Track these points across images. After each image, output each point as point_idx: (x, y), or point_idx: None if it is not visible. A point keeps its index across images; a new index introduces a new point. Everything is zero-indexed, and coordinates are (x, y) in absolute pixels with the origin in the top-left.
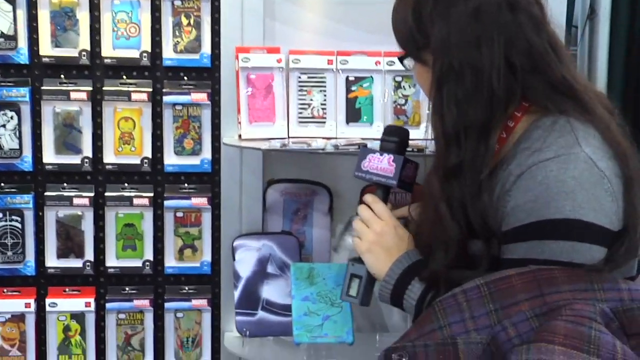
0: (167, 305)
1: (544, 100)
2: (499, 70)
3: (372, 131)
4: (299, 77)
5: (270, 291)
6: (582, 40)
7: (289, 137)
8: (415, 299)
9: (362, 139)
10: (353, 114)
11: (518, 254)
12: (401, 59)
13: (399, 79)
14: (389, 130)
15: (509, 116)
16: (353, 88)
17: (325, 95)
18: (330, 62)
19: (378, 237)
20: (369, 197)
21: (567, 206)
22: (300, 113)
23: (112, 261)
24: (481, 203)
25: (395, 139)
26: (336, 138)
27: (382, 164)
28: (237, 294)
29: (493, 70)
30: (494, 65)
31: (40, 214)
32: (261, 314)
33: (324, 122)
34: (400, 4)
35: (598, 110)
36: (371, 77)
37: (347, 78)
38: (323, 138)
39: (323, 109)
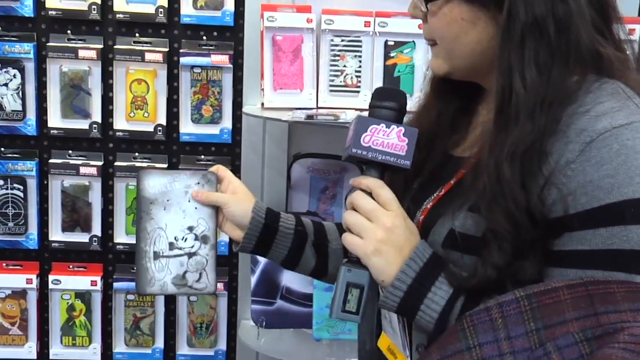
0: None
1: (612, 59)
2: (587, 26)
3: (411, 103)
4: (332, 41)
5: (291, 278)
6: None
7: (317, 108)
8: (439, 310)
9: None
10: (391, 83)
11: (594, 244)
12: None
13: None
14: (384, 93)
15: None
16: (392, 54)
17: (360, 62)
18: (367, 24)
19: (388, 233)
20: (369, 181)
21: None
22: (332, 81)
23: (121, 237)
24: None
25: (393, 104)
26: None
27: (390, 139)
28: (254, 279)
29: (581, 27)
30: (581, 20)
31: (45, 182)
32: (280, 303)
33: (358, 92)
34: None
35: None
36: (413, 42)
37: (385, 42)
38: (355, 110)
39: (357, 76)
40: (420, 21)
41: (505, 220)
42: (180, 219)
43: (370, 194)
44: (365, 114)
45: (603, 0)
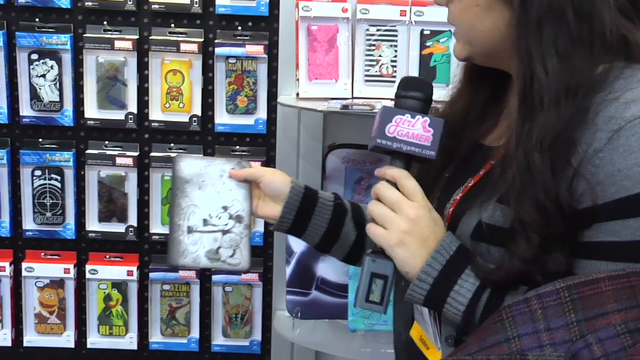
0: (215, 277)
1: (633, 48)
2: (610, 11)
3: (448, 93)
4: (367, 30)
5: (326, 269)
6: None
7: (352, 98)
8: (465, 302)
9: (438, 101)
10: (427, 73)
11: (624, 235)
12: None
13: None
14: (409, 83)
15: None
16: (428, 43)
17: (396, 51)
18: (403, 13)
19: (412, 224)
20: (394, 171)
21: None
22: (367, 70)
23: (157, 227)
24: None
25: (419, 94)
26: None
27: (415, 129)
28: (289, 270)
29: (604, 12)
30: (604, 6)
31: (82, 173)
32: (315, 293)
33: (394, 82)
34: None
35: None
36: (449, 31)
37: (421, 32)
38: (391, 100)
39: (393, 66)
40: None
41: (535, 210)
42: (214, 198)
43: (395, 184)
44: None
45: None
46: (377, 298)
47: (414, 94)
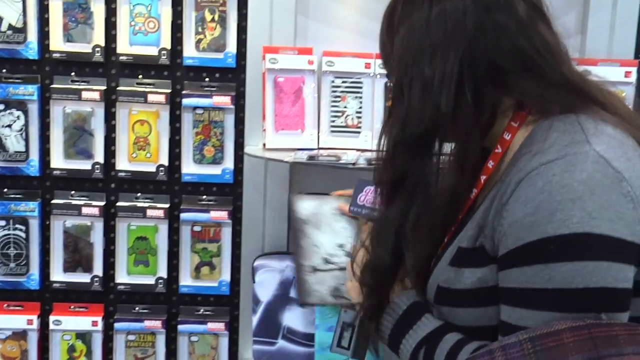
0: (180, 327)
1: (542, 101)
2: (450, 85)
3: None
4: (333, 82)
5: (293, 318)
6: None
7: (319, 148)
8: (409, 355)
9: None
10: None
11: (521, 283)
12: (388, 77)
13: None
14: None
15: (504, 129)
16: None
17: (361, 102)
18: (367, 65)
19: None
20: (364, 236)
21: (575, 217)
22: (333, 121)
23: (122, 277)
24: (426, 225)
25: None
26: (372, 150)
27: None
28: (255, 319)
29: (444, 85)
30: (446, 79)
31: (47, 223)
32: (281, 343)
33: (359, 132)
34: (384, 14)
35: (616, 104)
36: None
37: (386, 84)
38: (357, 150)
39: (358, 117)
40: None
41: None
42: (331, 237)
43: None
44: (367, 154)
45: (531, 49)
46: (346, 344)
47: None
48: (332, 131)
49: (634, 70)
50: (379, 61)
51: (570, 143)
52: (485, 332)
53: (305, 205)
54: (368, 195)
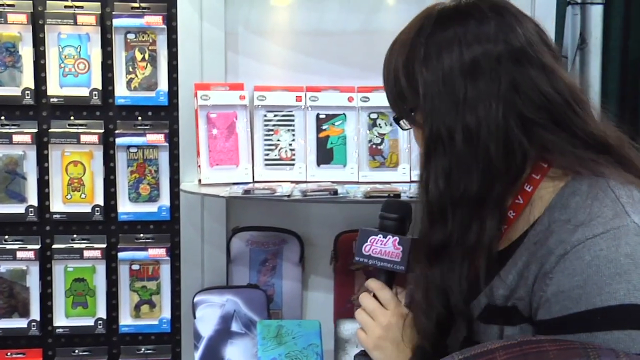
0: None
1: (571, 158)
2: (498, 135)
3: (345, 174)
4: (265, 116)
5: (235, 352)
6: (573, 71)
7: (254, 182)
8: None
9: (334, 182)
10: (324, 155)
11: None
12: (396, 120)
13: (374, 116)
14: (388, 206)
15: (524, 180)
16: (324, 127)
17: (293, 135)
18: (298, 98)
19: (385, 331)
20: (373, 284)
21: (622, 290)
22: (267, 155)
23: (60, 320)
24: (477, 286)
25: (395, 215)
26: (306, 182)
27: (387, 247)
28: (197, 355)
29: (491, 136)
30: (492, 130)
31: None
32: None
33: (293, 164)
34: (392, 55)
35: (630, 155)
36: (344, 114)
37: (317, 116)
38: (292, 182)
39: (291, 150)
40: (349, 94)
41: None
42: None
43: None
44: (302, 186)
45: (555, 99)
46: None
47: (390, 215)
48: (267, 164)
49: None
50: (310, 94)
51: (612, 217)
52: None
53: (347, 327)
54: (373, 245)
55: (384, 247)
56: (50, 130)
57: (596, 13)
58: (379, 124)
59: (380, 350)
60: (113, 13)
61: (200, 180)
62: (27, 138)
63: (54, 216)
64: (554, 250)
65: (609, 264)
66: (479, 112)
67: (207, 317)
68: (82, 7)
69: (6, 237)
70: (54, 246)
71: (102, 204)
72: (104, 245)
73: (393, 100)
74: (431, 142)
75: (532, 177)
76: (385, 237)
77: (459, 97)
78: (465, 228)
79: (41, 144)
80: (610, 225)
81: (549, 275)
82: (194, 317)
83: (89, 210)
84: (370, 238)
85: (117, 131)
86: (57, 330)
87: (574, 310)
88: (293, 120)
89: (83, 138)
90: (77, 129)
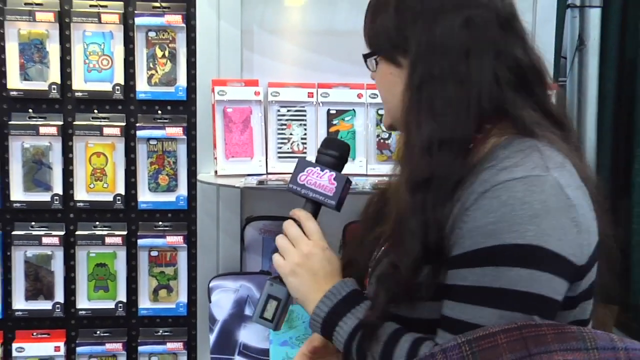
0: (141, 348)
1: (524, 119)
2: (487, 84)
3: (354, 167)
4: (278, 111)
5: (248, 335)
6: (572, 71)
7: (267, 173)
8: (345, 337)
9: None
10: None
11: (469, 281)
12: (366, 57)
13: (382, 112)
14: (328, 142)
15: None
16: (334, 122)
17: (305, 129)
18: (310, 94)
19: (304, 259)
20: (300, 212)
21: (531, 231)
22: (280, 148)
23: (83, 303)
24: (441, 223)
25: (335, 152)
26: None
27: (322, 180)
28: (212, 338)
29: (481, 83)
30: (481, 78)
31: (8, 253)
32: (238, 359)
33: (305, 158)
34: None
35: (573, 141)
36: (353, 110)
37: (328, 111)
38: None
39: (303, 143)
40: (358, 91)
41: (406, 246)
42: None
43: (300, 224)
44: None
45: (525, 66)
46: (269, 316)
47: (330, 152)
48: (279, 157)
49: None
50: (321, 90)
51: (533, 167)
52: (421, 324)
53: None
54: (309, 176)
55: (319, 179)
56: (75, 123)
57: (594, 16)
58: None
59: (295, 276)
60: (135, 12)
61: (216, 172)
62: (53, 130)
63: (78, 204)
64: (476, 189)
65: (523, 206)
66: (470, 61)
67: (221, 301)
68: (106, 6)
69: (33, 223)
70: (78, 233)
71: (123, 193)
72: (125, 233)
73: (377, 38)
74: (425, 80)
75: (474, 135)
76: (322, 170)
77: (454, 46)
78: (449, 166)
79: (66, 135)
80: (530, 173)
81: (467, 212)
82: (209, 302)
83: (110, 199)
84: (308, 169)
85: (138, 124)
86: (80, 312)
87: (484, 245)
88: (305, 115)
89: (106, 130)
90: (100, 122)
